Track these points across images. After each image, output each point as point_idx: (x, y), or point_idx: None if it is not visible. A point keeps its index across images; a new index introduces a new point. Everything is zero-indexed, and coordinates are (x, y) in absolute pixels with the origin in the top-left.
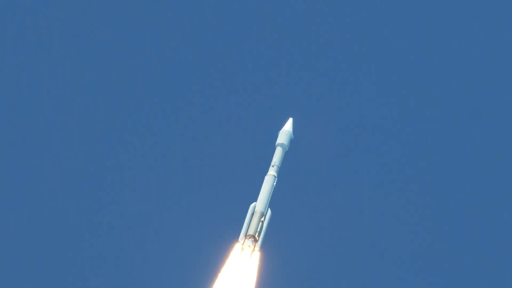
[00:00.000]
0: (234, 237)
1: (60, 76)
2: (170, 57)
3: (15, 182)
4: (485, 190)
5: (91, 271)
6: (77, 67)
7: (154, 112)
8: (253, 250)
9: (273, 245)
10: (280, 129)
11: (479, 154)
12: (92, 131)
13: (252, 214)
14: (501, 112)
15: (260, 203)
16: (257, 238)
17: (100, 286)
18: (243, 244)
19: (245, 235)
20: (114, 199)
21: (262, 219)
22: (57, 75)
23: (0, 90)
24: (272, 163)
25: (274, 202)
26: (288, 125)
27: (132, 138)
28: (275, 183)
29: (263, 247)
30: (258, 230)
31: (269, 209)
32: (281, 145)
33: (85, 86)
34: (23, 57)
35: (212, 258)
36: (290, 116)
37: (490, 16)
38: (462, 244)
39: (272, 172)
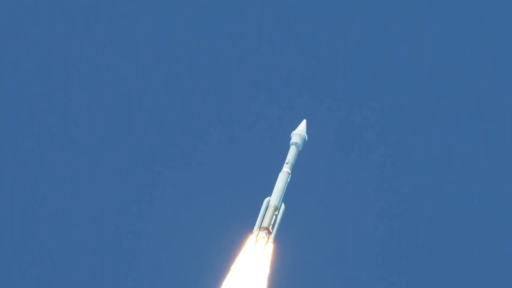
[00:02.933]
0: (249, 229)
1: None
2: (190, 59)
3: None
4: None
5: (109, 264)
6: (76, 67)
7: (182, 112)
8: (267, 241)
9: (286, 238)
10: (294, 130)
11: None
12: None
13: (267, 208)
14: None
15: (274, 198)
16: (271, 231)
17: (121, 275)
18: (257, 235)
19: (259, 227)
20: (134, 195)
21: (276, 212)
22: (54, 75)
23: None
24: (286, 161)
25: (288, 198)
26: (302, 126)
27: (158, 139)
28: (289, 180)
29: (277, 240)
30: (272, 223)
31: (282, 203)
32: (295, 144)
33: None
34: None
35: (227, 248)
36: (304, 118)
37: (490, 16)
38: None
39: (286, 169)
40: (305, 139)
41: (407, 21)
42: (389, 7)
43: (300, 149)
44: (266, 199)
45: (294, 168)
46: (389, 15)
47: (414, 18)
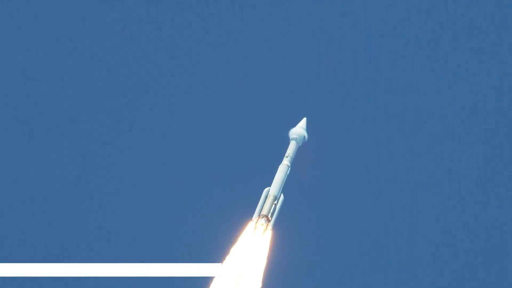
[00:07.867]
0: (250, 217)
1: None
2: (196, 55)
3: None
4: None
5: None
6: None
7: (188, 110)
8: (266, 229)
9: (284, 227)
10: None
11: None
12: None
13: (266, 197)
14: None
15: (274, 188)
16: (270, 218)
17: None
18: (256, 222)
19: (259, 215)
20: (138, 182)
21: (275, 202)
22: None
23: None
24: (286, 154)
25: (287, 191)
26: (302, 123)
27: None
28: (288, 172)
29: (275, 228)
30: (271, 211)
31: (282, 194)
32: (295, 139)
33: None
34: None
35: (228, 232)
36: (304, 116)
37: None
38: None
39: (285, 162)
40: (304, 136)
41: (411, 21)
42: (395, 7)
43: (300, 144)
44: (266, 189)
45: (294, 167)
46: (395, 15)
47: (419, 19)
